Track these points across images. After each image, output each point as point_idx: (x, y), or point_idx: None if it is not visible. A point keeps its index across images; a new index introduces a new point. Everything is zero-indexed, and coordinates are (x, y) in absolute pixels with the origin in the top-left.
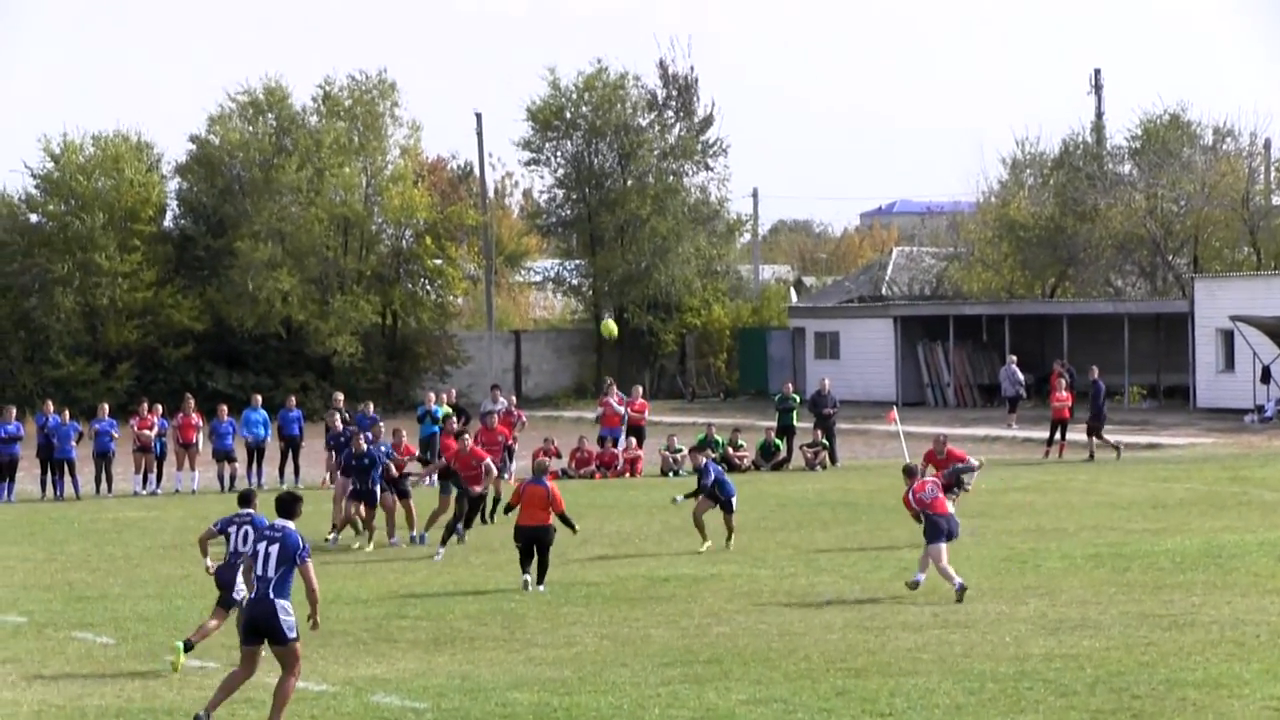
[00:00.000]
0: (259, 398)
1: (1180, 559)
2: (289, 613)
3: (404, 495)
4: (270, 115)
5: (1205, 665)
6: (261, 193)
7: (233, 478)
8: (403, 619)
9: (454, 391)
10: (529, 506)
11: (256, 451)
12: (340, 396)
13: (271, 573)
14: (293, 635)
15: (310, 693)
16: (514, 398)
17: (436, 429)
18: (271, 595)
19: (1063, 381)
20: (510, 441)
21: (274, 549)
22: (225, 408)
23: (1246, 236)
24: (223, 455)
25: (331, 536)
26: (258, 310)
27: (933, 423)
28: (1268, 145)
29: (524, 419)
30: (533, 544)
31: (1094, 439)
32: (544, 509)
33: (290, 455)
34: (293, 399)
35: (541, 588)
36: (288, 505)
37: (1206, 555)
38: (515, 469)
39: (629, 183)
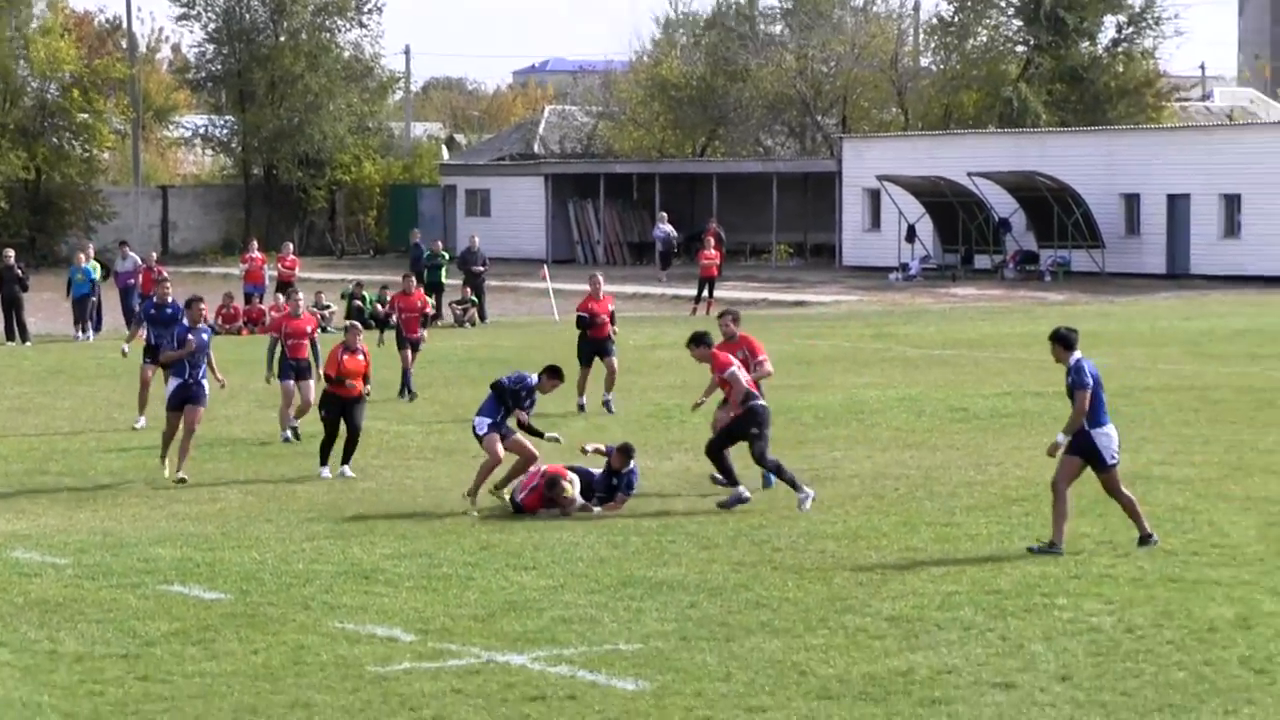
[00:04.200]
0: None
1: (823, 414)
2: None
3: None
4: None
5: (845, 518)
6: None
7: None
8: (44, 474)
9: (92, 249)
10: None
11: None
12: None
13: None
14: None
15: None
16: (154, 254)
17: (87, 289)
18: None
19: (711, 240)
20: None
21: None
22: None
23: (894, 97)
24: None
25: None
26: None
27: (583, 280)
28: (917, 7)
29: (164, 275)
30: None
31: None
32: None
33: None
34: None
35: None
36: None
37: (848, 411)
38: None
39: (281, 39)
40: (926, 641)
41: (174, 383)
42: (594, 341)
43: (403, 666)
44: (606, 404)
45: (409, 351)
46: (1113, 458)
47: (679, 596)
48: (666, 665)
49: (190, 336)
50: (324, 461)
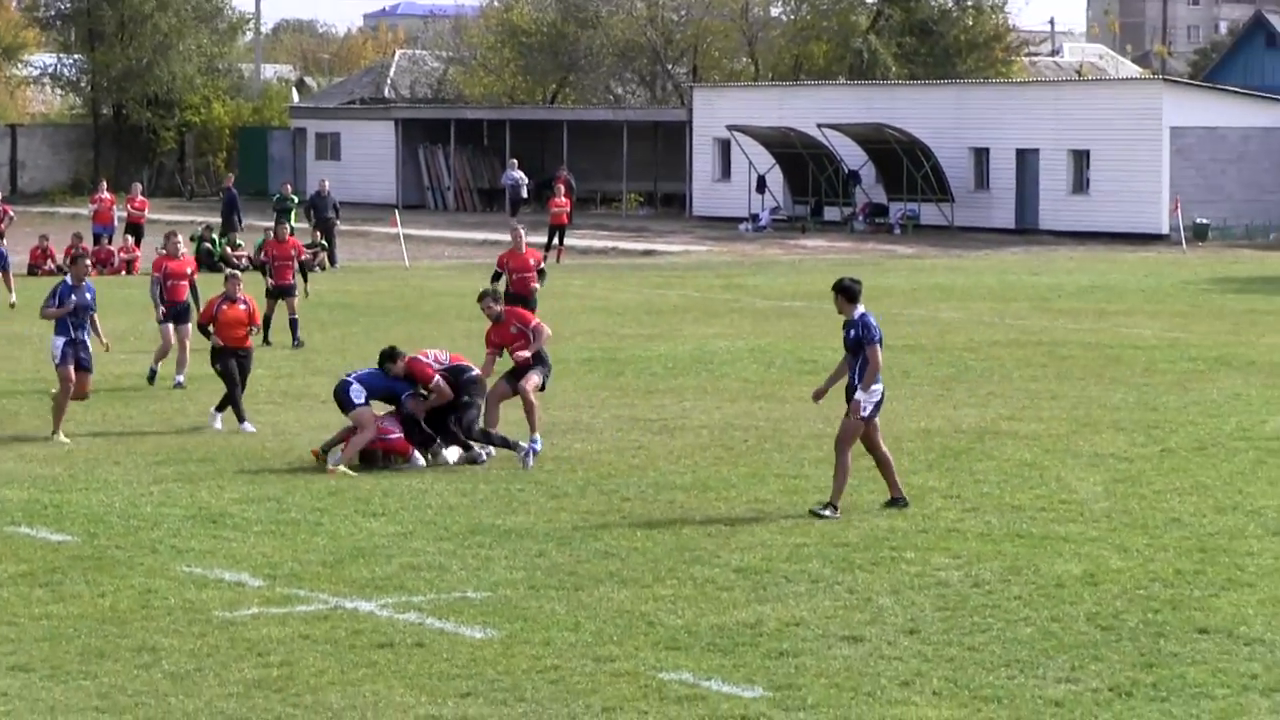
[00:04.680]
0: None
1: (672, 364)
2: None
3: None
4: None
5: (694, 469)
6: None
7: None
8: None
9: None
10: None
11: None
12: None
13: None
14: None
15: None
16: (1, 194)
17: None
18: None
19: (562, 188)
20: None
21: None
22: None
23: (745, 47)
24: None
25: None
26: None
27: (432, 226)
28: None
29: (12, 215)
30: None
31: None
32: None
33: None
34: None
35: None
36: None
37: (698, 361)
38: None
39: None
40: (774, 593)
41: (60, 340)
42: (516, 298)
43: (250, 612)
44: None
45: (283, 300)
46: (865, 410)
47: (528, 545)
48: (515, 614)
49: (73, 297)
50: (230, 412)
